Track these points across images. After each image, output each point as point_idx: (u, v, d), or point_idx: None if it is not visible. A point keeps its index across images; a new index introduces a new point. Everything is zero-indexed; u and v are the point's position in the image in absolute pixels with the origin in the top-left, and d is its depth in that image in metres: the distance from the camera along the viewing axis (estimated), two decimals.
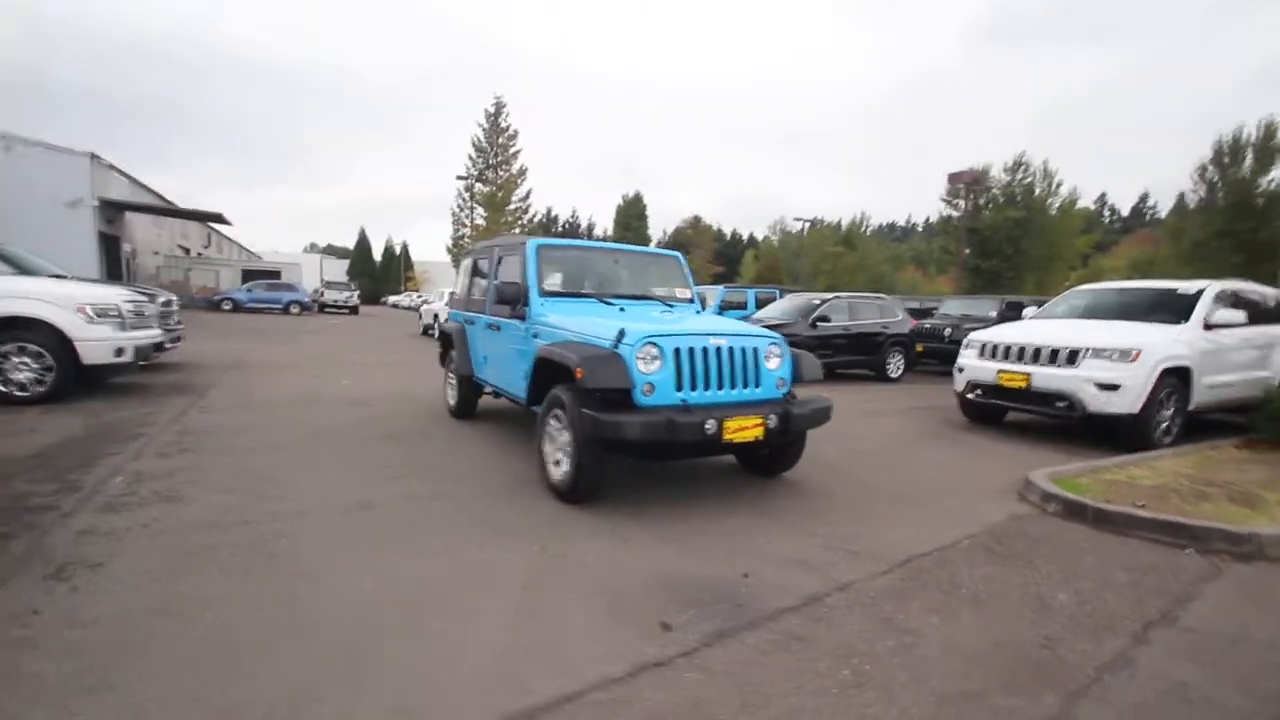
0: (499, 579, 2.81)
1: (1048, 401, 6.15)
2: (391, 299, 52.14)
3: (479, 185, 35.97)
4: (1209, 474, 4.88)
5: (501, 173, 36.64)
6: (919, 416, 7.80)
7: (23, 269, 6.89)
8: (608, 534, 3.38)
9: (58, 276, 7.17)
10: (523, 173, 36.80)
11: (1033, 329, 6.76)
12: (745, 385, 3.93)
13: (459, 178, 35.48)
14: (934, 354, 12.55)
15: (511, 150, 36.89)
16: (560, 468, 3.87)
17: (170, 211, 29.45)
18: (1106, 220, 73.24)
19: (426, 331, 19.14)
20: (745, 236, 73.81)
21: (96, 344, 6.23)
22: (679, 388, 3.71)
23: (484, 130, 36.98)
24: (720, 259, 60.91)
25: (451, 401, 6.47)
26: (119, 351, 6.39)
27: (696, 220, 65.52)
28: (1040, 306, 8.14)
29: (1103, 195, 79.47)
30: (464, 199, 36.22)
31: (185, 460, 4.43)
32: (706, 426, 3.49)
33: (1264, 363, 7.00)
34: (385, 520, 3.48)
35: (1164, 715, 2.05)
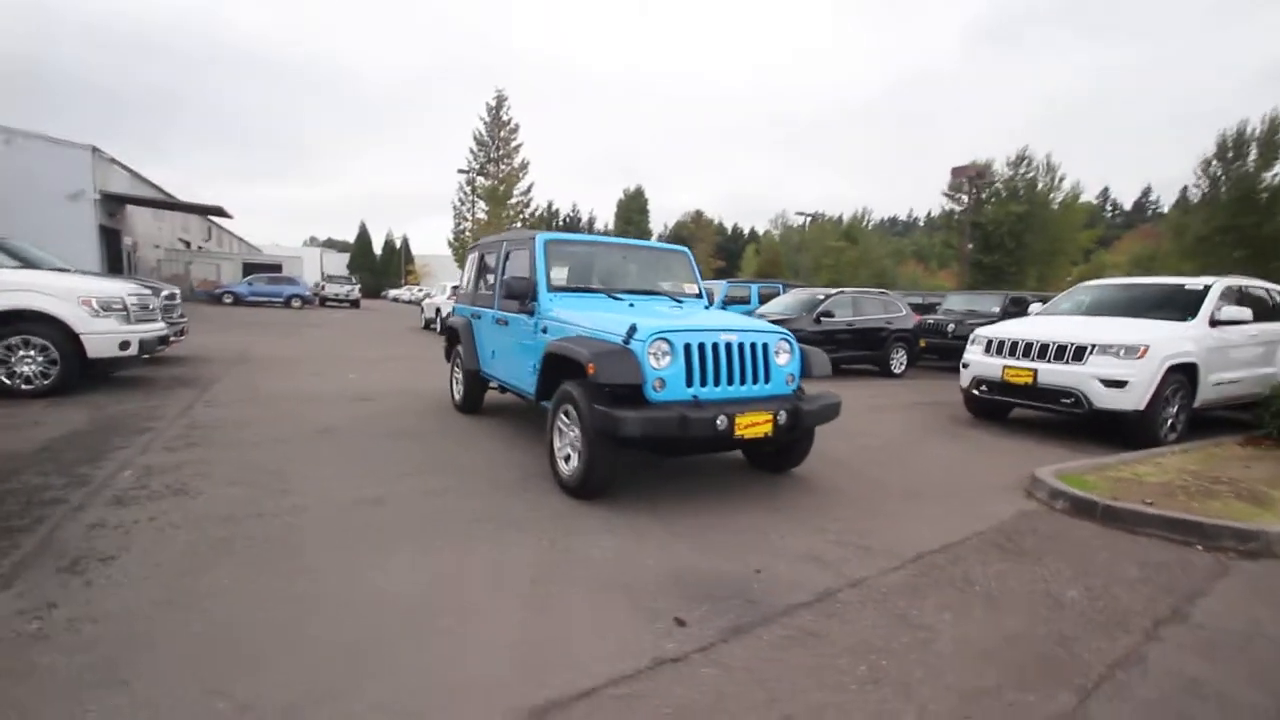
0: (511, 574, 2.82)
1: (1054, 398, 6.15)
2: (392, 293, 52.10)
3: (480, 179, 35.89)
4: (1215, 471, 4.89)
5: (503, 166, 36.56)
6: (924, 412, 7.80)
7: (26, 262, 6.88)
8: (619, 529, 3.39)
9: (61, 270, 7.16)
10: (524, 166, 36.73)
11: (1038, 325, 6.75)
12: (755, 381, 3.93)
13: (460, 171, 35.43)
14: (936, 349, 12.56)
15: (513, 144, 36.80)
16: (570, 463, 3.87)
17: (171, 205, 29.39)
18: (1109, 215, 73.04)
19: (428, 326, 19.12)
20: (746, 231, 73.72)
21: (102, 337, 6.23)
22: (689, 383, 3.71)
23: (485, 124, 36.89)
24: (721, 253, 60.84)
25: (458, 396, 6.46)
26: (124, 345, 6.39)
27: (698, 215, 65.39)
28: (1045, 302, 8.12)
29: (1105, 190, 79.28)
30: (465, 192, 36.14)
31: (193, 454, 4.43)
32: (718, 422, 3.49)
33: (1269, 359, 7.00)
34: (396, 515, 3.48)
35: (1178, 712, 2.06)
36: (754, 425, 3.66)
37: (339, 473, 4.20)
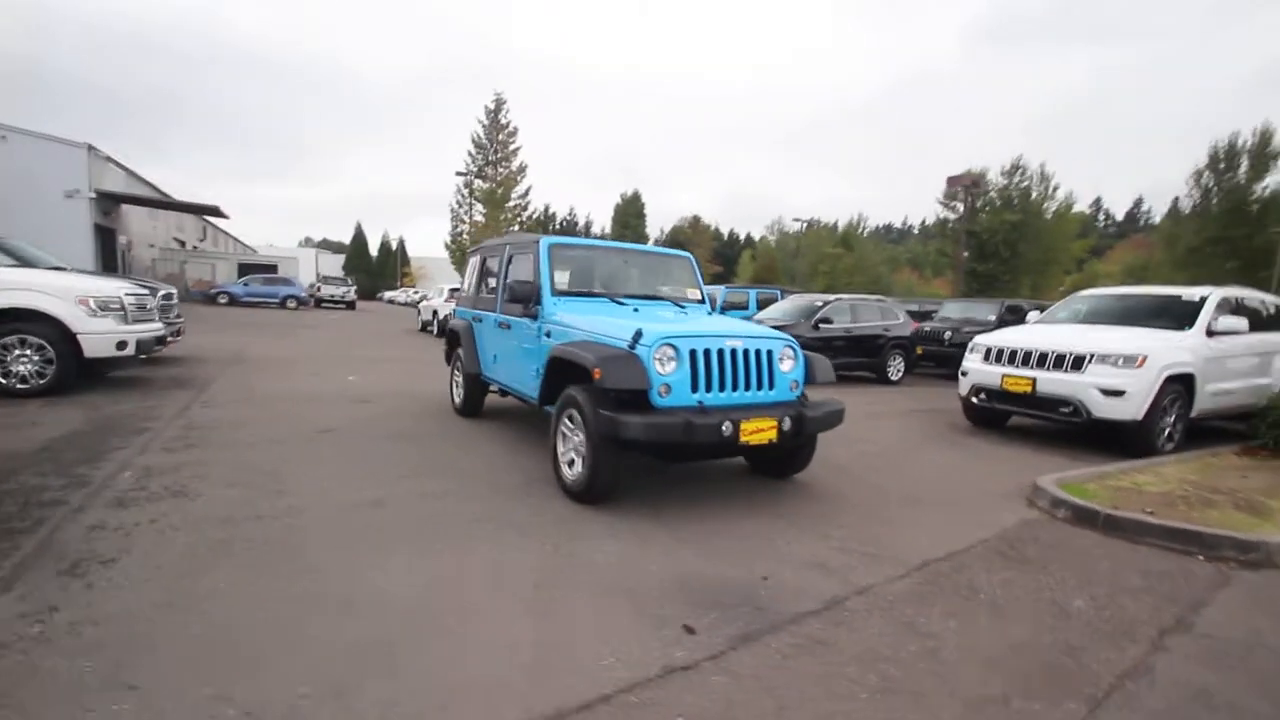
0: (516, 579, 2.80)
1: (1052, 406, 6.18)
2: (388, 295, 52.00)
3: (478, 181, 35.86)
4: (1212, 481, 4.92)
5: (501, 169, 36.56)
6: (922, 419, 7.82)
7: (23, 261, 6.82)
8: (623, 534, 3.38)
9: (57, 269, 7.11)
10: (522, 169, 36.74)
11: (1037, 334, 6.79)
12: (760, 387, 3.93)
13: (458, 174, 35.34)
14: (932, 356, 12.60)
15: (511, 147, 36.81)
16: (574, 468, 3.86)
17: (166, 204, 29.25)
18: (1101, 224, 73.75)
19: (425, 328, 19.07)
20: (743, 236, 73.96)
21: (99, 337, 6.18)
22: (695, 389, 3.71)
23: (484, 127, 36.89)
24: (718, 259, 60.95)
25: (458, 400, 6.44)
26: (121, 345, 6.34)
27: (695, 220, 65.55)
28: (1043, 311, 8.17)
29: (1098, 200, 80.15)
30: (463, 195, 36.09)
31: (192, 455, 4.40)
32: (723, 428, 3.49)
33: (1264, 370, 7.06)
34: (396, 518, 3.46)
35: None
36: (759, 431, 3.66)
37: (339, 475, 4.17)
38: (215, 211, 28.37)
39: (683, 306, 5.10)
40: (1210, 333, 6.39)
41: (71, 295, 6.11)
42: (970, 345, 7.19)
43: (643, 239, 54.81)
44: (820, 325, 10.98)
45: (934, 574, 3.11)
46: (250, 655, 2.11)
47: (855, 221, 48.78)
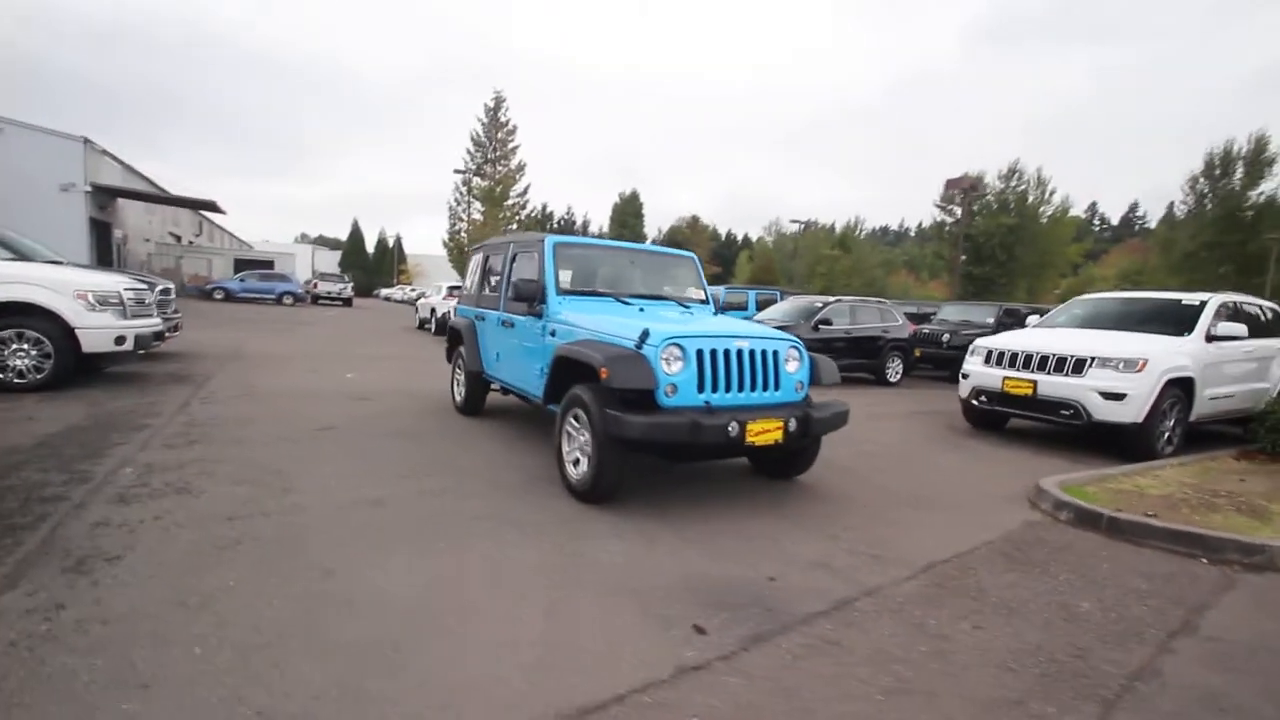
0: (519, 578, 2.79)
1: (1053, 409, 6.20)
2: (384, 292, 51.85)
3: (477, 180, 35.80)
4: (1212, 484, 4.95)
5: (500, 167, 36.52)
6: (922, 421, 7.85)
7: (20, 254, 6.76)
8: (628, 534, 3.37)
9: (54, 263, 7.05)
10: (521, 168, 36.71)
11: (1037, 337, 6.82)
12: (766, 388, 3.93)
13: (457, 171, 35.29)
14: (930, 359, 12.65)
15: (510, 145, 36.78)
16: (579, 467, 3.85)
17: (163, 199, 29.06)
18: (1097, 229, 74.05)
19: (423, 325, 19.02)
20: (741, 237, 74.02)
21: (98, 332, 6.13)
22: (701, 389, 3.70)
23: (483, 125, 36.85)
24: (716, 259, 60.98)
25: (459, 398, 6.42)
26: (120, 340, 6.29)
27: (694, 220, 65.52)
28: (1042, 315, 8.21)
29: (1093, 204, 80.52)
30: (461, 193, 36.02)
31: (194, 452, 4.36)
32: (730, 429, 3.49)
33: (1261, 375, 7.11)
34: (398, 517, 3.44)
35: None
36: (765, 432, 3.66)
37: (341, 473, 4.15)
38: (212, 206, 28.24)
39: (687, 307, 5.10)
40: (1210, 338, 6.43)
41: (70, 289, 6.06)
42: (971, 348, 7.22)
43: (640, 238, 54.77)
44: (820, 326, 11.00)
45: (941, 575, 3.12)
46: (263, 656, 2.08)
47: (853, 223, 48.91)
